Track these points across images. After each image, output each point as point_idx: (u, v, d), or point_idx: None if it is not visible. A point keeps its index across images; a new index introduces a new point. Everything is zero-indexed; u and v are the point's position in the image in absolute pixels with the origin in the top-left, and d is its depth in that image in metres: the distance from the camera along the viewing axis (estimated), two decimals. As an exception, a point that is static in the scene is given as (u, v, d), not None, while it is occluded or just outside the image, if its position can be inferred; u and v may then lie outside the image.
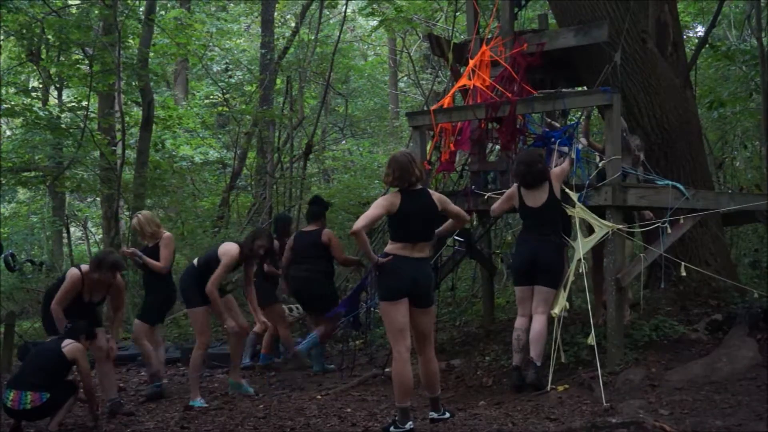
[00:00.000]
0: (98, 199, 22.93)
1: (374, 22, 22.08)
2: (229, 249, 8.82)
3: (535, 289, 8.17)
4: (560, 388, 7.77)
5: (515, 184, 8.40)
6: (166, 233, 9.32)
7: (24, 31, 17.60)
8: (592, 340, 7.71)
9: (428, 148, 9.90)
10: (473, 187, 9.42)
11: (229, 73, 24.68)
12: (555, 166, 8.69)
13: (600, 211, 8.23)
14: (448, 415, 7.19)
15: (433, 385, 7.17)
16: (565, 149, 8.85)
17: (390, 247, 6.98)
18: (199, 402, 8.59)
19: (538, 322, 8.06)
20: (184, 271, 9.30)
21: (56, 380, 7.72)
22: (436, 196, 7.12)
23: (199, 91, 25.29)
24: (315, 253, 10.25)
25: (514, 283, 8.56)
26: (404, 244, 6.93)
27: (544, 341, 8.03)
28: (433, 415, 7.18)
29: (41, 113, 18.01)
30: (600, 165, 8.41)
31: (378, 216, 7.04)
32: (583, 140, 8.99)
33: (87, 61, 17.87)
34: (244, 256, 8.83)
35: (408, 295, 6.88)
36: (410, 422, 6.84)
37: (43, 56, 19.25)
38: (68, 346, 7.77)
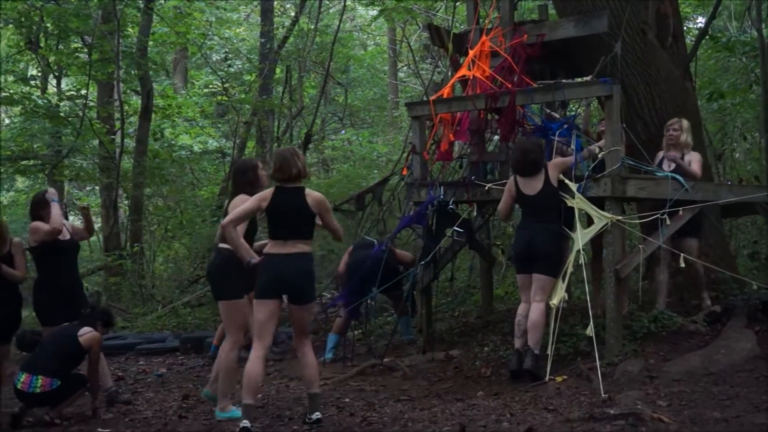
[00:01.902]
0: (97, 187, 22.93)
1: (374, 12, 22.06)
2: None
3: (533, 276, 8.18)
4: (558, 379, 7.77)
5: (511, 178, 8.42)
6: (16, 239, 8.62)
7: (23, 19, 17.58)
8: (590, 331, 7.71)
9: (427, 138, 9.89)
10: (472, 177, 9.42)
11: (229, 62, 24.68)
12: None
13: (599, 202, 8.23)
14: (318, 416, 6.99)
15: (310, 379, 7.07)
16: (564, 140, 8.87)
17: (268, 245, 6.97)
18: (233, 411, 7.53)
19: (535, 311, 8.04)
20: (217, 259, 7.79)
21: (69, 367, 7.77)
22: (314, 197, 6.97)
23: (198, 80, 25.31)
24: None
25: (516, 270, 8.62)
26: (276, 241, 6.91)
27: (541, 330, 8.03)
28: (312, 417, 7.00)
29: (40, 102, 18.02)
30: (599, 156, 8.40)
31: (250, 210, 6.99)
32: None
33: (86, 50, 17.87)
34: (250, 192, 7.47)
35: (277, 295, 6.89)
36: (246, 421, 6.74)
37: (42, 44, 19.23)
38: (85, 335, 7.81)
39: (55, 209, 8.18)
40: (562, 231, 8.28)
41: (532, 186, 8.21)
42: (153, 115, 18.98)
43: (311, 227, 7.04)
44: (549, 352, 7.94)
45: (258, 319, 6.95)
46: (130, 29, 19.10)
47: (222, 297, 7.53)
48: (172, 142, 21.73)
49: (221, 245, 7.44)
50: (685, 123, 9.20)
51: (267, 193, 6.96)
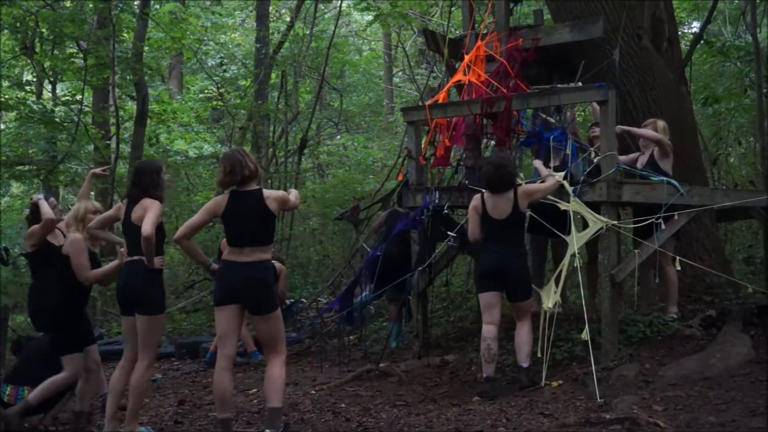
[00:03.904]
0: (92, 193, 22.87)
1: (369, 17, 22.06)
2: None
3: (513, 305, 8.11)
4: (554, 384, 7.77)
5: (477, 196, 8.20)
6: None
7: (18, 24, 17.55)
8: (586, 335, 7.71)
9: (423, 143, 9.90)
10: (467, 182, 9.41)
11: (224, 67, 24.66)
12: (552, 166, 8.70)
13: (595, 208, 8.22)
14: None
15: (268, 392, 6.73)
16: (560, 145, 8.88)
17: (224, 252, 6.81)
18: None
19: (524, 328, 8.00)
20: (134, 272, 7.14)
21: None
22: (274, 197, 6.75)
23: (193, 86, 25.24)
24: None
25: (479, 290, 8.27)
26: (232, 248, 6.69)
27: (531, 345, 8.02)
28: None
29: (35, 107, 17.97)
30: (595, 161, 8.39)
31: (202, 221, 6.83)
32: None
33: (81, 55, 17.82)
34: (154, 195, 7.09)
35: (234, 302, 6.62)
36: None
37: (37, 50, 19.18)
38: None
39: (44, 205, 8.07)
40: (526, 253, 8.31)
41: (501, 209, 8.00)
42: (148, 121, 18.95)
43: (272, 230, 6.82)
44: (544, 356, 7.93)
45: (218, 327, 6.81)
46: (125, 34, 19.07)
47: (145, 312, 6.92)
48: (168, 147, 21.69)
49: (135, 257, 6.97)
50: (660, 124, 9.11)
51: (221, 199, 6.74)
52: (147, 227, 6.67)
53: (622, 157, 9.07)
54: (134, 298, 6.98)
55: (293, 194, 7.24)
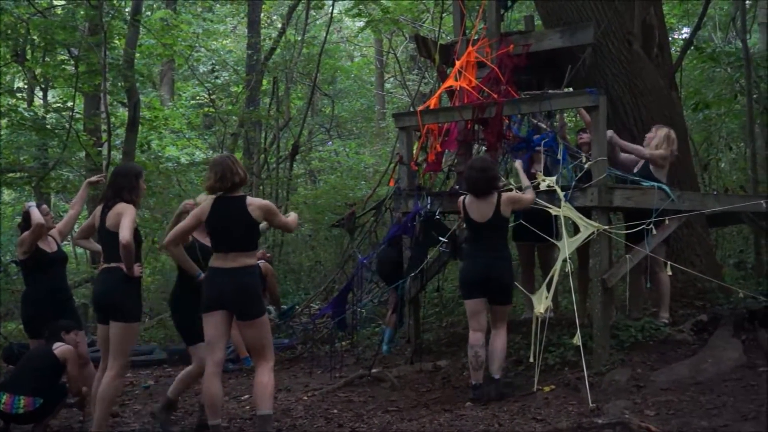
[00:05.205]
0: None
1: (361, 23, 22.10)
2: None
3: (493, 308, 8.05)
4: (546, 389, 7.77)
5: (460, 199, 8.20)
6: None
7: (9, 31, 17.49)
8: (578, 340, 7.72)
9: (415, 148, 9.90)
10: (458, 187, 9.42)
11: (216, 73, 24.64)
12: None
13: (586, 213, 8.23)
14: None
15: (256, 398, 6.80)
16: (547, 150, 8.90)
17: (210, 258, 6.82)
18: None
19: (501, 337, 7.96)
20: (110, 279, 7.11)
21: (49, 384, 7.68)
22: (257, 204, 6.77)
23: (185, 92, 25.25)
24: None
25: (465, 296, 8.20)
26: (217, 254, 6.72)
27: (505, 353, 8.01)
28: None
29: (26, 114, 17.92)
30: (586, 166, 8.40)
31: (190, 226, 6.87)
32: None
33: (72, 62, 17.80)
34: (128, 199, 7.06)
35: (222, 308, 6.66)
36: None
37: (28, 57, 19.13)
38: (59, 348, 7.74)
39: (35, 212, 8.09)
40: (510, 256, 8.28)
41: (482, 212, 7.96)
42: (140, 127, 18.92)
43: (255, 237, 6.83)
44: (536, 362, 7.93)
45: (206, 333, 6.79)
46: (116, 41, 19.03)
47: (119, 319, 6.92)
48: (159, 153, 21.65)
49: (112, 264, 6.98)
50: (663, 132, 9.08)
51: (206, 205, 6.76)
52: (125, 234, 6.71)
53: (624, 155, 9.13)
54: (110, 306, 6.97)
55: (292, 217, 7.26)
